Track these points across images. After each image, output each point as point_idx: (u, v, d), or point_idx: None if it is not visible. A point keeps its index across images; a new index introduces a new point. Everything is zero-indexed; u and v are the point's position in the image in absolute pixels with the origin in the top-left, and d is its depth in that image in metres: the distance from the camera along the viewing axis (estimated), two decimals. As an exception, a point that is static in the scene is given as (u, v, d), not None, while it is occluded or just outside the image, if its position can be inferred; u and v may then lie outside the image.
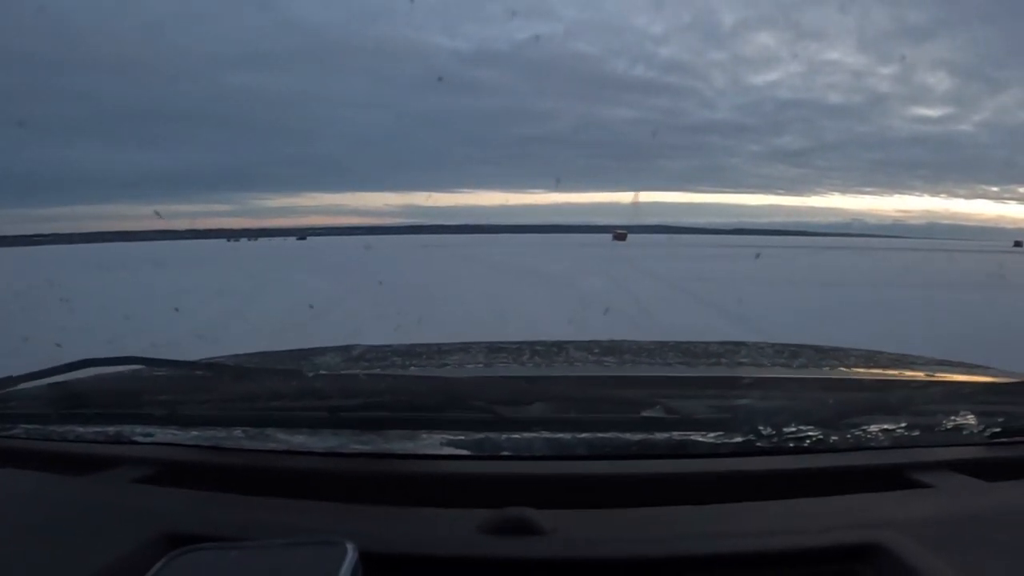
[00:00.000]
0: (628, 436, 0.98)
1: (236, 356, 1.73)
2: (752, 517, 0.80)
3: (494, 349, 1.78)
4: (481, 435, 1.00)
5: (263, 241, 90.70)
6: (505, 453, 0.97)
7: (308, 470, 0.95)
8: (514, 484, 0.90)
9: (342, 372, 1.50)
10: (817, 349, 1.92)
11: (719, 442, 0.97)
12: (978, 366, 1.71)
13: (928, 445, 1.00)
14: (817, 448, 0.97)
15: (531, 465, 0.95)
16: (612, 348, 1.79)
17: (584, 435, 0.98)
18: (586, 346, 1.78)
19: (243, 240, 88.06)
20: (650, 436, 0.98)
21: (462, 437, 0.99)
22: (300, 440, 0.99)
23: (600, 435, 0.99)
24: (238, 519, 0.80)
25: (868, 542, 0.73)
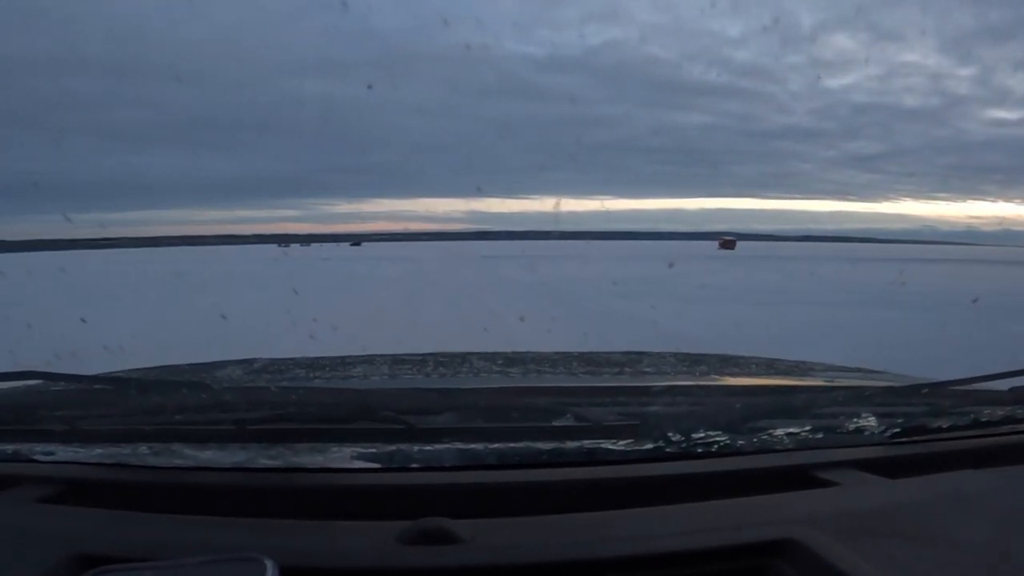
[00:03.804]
0: (539, 445, 0.99)
1: (137, 370, 1.69)
2: (667, 519, 0.83)
3: (398, 361, 1.78)
4: (392, 447, 0.99)
5: (315, 247, 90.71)
6: (416, 465, 0.96)
7: (218, 486, 0.93)
8: (427, 495, 0.90)
9: (250, 385, 1.48)
10: (719, 357, 1.94)
11: (629, 449, 0.99)
12: (875, 371, 1.80)
13: (832, 446, 1.04)
14: (725, 452, 1.00)
15: (443, 476, 0.94)
16: (516, 359, 1.78)
17: (495, 445, 0.99)
18: (490, 357, 1.77)
19: (294, 246, 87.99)
20: (561, 444, 0.99)
21: (373, 449, 0.98)
22: (208, 455, 0.97)
23: (511, 444, 0.99)
24: (150, 538, 0.77)
25: (781, 537, 0.76)
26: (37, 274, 19.98)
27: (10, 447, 1.01)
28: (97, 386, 1.18)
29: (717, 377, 1.71)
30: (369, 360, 1.80)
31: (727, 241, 70.63)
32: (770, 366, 1.88)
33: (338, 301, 13.71)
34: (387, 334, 8.46)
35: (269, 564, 0.63)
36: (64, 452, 0.99)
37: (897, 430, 1.07)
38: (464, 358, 1.79)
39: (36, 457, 0.99)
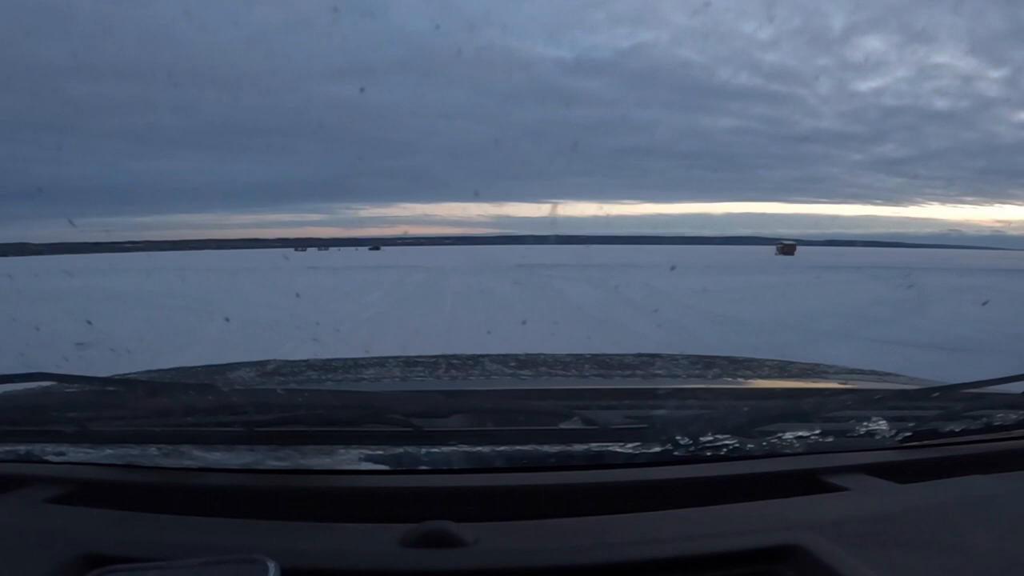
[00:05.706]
0: (546, 448, 0.99)
1: (149, 372, 1.71)
2: (672, 524, 0.82)
3: (410, 363, 1.77)
4: (399, 449, 0.99)
5: (333, 250, 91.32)
6: (423, 467, 0.96)
7: (225, 487, 0.93)
8: (433, 498, 0.90)
9: (258, 387, 1.48)
10: (731, 360, 1.93)
11: (636, 452, 0.98)
12: (887, 373, 1.77)
13: (841, 450, 1.03)
14: (733, 456, 0.99)
15: (450, 478, 0.94)
16: (528, 361, 1.77)
17: (502, 447, 0.99)
18: (502, 359, 1.77)
19: (311, 249, 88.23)
20: (568, 447, 0.99)
21: (380, 452, 0.98)
22: (216, 457, 0.97)
23: (518, 447, 0.99)
24: (156, 538, 0.78)
25: (786, 543, 0.76)
26: (52, 279, 20.10)
27: (22, 448, 1.03)
28: (108, 388, 1.19)
29: (728, 380, 1.69)
30: (381, 362, 1.81)
31: (787, 246, 65.06)
32: (783, 369, 1.86)
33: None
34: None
35: (271, 565, 0.63)
36: (75, 453, 1.00)
37: (908, 434, 1.06)
38: (476, 360, 1.79)
39: (47, 458, 1.00)
